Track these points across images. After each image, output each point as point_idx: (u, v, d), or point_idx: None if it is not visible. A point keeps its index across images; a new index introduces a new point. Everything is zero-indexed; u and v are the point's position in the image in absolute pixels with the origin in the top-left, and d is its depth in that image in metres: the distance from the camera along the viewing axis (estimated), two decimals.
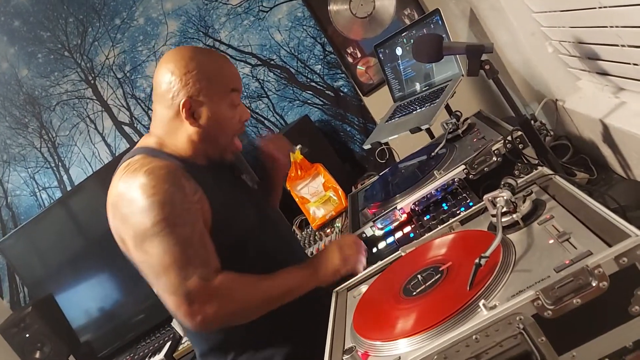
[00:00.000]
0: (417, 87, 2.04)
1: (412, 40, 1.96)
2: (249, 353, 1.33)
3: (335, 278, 1.27)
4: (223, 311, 1.16)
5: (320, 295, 1.29)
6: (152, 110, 1.47)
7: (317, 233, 2.26)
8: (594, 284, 0.73)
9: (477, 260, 0.85)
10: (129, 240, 1.20)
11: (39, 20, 2.75)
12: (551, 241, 0.87)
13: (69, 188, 2.90)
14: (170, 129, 1.31)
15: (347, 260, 1.29)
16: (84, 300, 2.65)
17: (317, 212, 2.29)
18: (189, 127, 1.29)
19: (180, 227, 1.15)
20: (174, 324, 2.32)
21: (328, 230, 2.22)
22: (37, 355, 2.44)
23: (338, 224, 2.19)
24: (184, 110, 1.26)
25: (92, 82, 2.80)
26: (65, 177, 2.91)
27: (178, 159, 1.28)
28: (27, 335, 2.44)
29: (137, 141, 1.44)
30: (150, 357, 2.36)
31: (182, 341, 2.30)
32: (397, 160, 2.28)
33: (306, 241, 2.25)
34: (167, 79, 1.28)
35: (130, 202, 1.18)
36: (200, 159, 1.34)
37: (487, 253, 0.86)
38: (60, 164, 2.90)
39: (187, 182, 1.22)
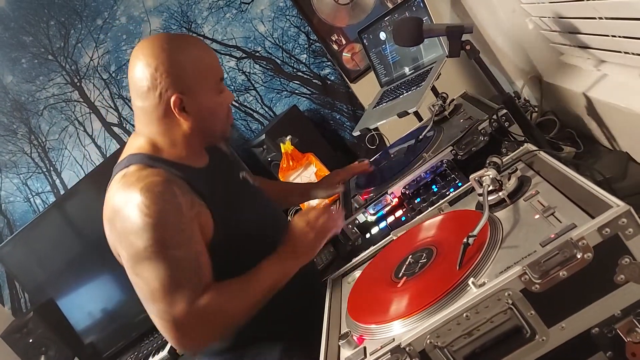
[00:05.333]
0: (406, 70, 2.03)
1: None
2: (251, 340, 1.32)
3: (315, 250, 1.25)
4: (212, 332, 1.16)
5: (313, 283, 1.29)
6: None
7: None
8: (578, 256, 0.75)
9: (465, 240, 0.87)
10: (124, 261, 1.19)
11: (20, 25, 2.72)
12: (537, 216, 0.89)
13: (62, 192, 2.89)
14: (162, 128, 1.25)
15: (318, 227, 1.25)
16: (85, 302, 2.64)
17: (311, 202, 2.30)
18: (183, 123, 1.24)
19: (173, 250, 1.13)
20: None
21: None
22: (42, 359, 2.46)
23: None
24: (175, 108, 1.21)
25: (78, 84, 2.78)
26: (57, 181, 2.90)
27: (176, 167, 1.23)
28: (31, 340, 2.45)
29: (127, 141, 1.36)
30: (154, 354, 2.38)
31: None
32: (388, 145, 2.28)
33: None
34: (149, 75, 1.20)
35: (125, 220, 1.15)
36: (198, 159, 1.31)
37: (475, 232, 0.87)
38: (51, 168, 2.89)
39: (184, 197, 1.17)
